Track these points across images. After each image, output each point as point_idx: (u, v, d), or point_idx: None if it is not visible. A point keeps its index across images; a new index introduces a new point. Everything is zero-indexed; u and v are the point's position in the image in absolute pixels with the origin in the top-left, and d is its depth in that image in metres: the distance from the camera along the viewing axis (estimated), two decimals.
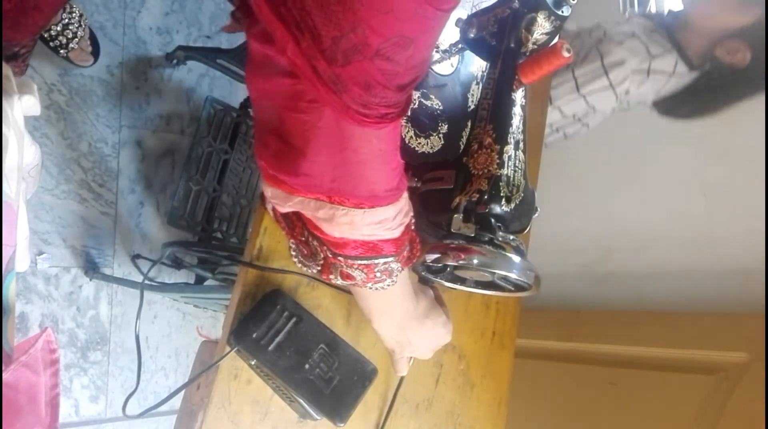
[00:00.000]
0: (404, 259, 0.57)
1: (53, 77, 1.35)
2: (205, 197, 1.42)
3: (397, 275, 0.56)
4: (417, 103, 0.79)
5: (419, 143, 0.79)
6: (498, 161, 0.61)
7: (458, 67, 0.85)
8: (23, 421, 0.45)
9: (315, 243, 0.56)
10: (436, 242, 0.62)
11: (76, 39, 1.28)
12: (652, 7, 1.51)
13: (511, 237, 0.60)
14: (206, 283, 1.34)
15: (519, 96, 0.64)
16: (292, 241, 0.61)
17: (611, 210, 1.49)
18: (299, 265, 0.63)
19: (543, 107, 0.98)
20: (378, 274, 0.55)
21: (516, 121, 0.63)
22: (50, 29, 1.24)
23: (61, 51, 1.29)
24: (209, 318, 1.63)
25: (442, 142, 0.82)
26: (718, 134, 1.29)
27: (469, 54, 0.84)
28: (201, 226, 1.41)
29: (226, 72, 1.46)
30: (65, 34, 1.26)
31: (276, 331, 0.61)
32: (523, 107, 0.64)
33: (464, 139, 0.83)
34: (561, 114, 1.27)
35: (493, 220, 0.60)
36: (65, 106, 1.36)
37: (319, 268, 0.60)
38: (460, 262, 0.58)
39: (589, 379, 1.28)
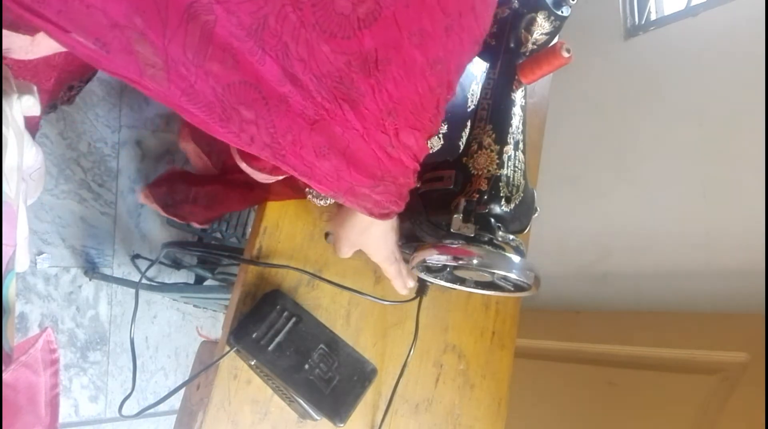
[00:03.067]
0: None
1: None
2: None
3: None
4: None
5: None
6: (498, 161, 0.61)
7: None
8: (23, 421, 0.45)
9: None
10: (436, 242, 0.62)
11: None
12: (652, 9, 1.51)
13: (511, 237, 0.60)
14: (206, 283, 1.34)
15: (519, 96, 0.64)
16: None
17: (611, 210, 1.48)
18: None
19: (543, 107, 0.98)
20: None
21: (516, 121, 0.63)
22: None
23: None
24: (209, 318, 1.63)
25: (442, 142, 0.82)
26: (718, 134, 1.29)
27: None
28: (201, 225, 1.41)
29: None
30: None
31: (276, 331, 0.61)
32: (523, 107, 0.64)
33: (464, 139, 0.83)
34: None
35: (493, 220, 0.60)
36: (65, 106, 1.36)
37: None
38: (460, 262, 0.58)
39: (589, 379, 1.28)
